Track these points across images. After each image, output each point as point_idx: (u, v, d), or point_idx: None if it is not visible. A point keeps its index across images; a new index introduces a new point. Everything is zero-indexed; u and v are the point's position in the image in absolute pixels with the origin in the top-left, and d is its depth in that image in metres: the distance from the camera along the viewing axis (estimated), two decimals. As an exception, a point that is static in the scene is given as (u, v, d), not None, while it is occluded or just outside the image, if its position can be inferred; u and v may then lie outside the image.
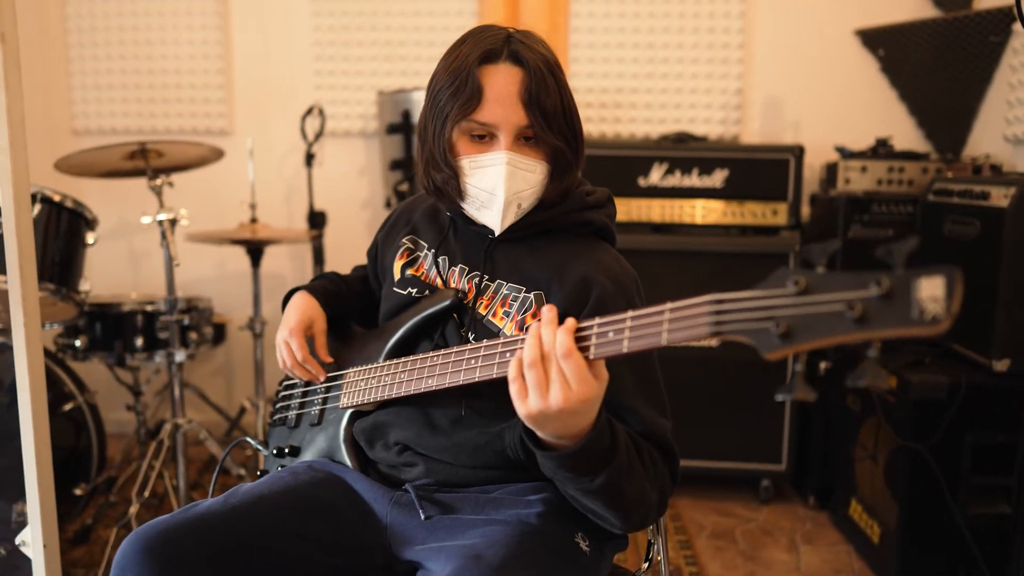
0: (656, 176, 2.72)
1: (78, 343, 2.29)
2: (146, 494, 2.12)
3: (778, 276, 0.68)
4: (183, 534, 1.01)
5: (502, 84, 1.10)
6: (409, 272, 1.27)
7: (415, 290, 1.25)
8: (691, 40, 2.98)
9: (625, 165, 2.72)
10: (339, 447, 1.26)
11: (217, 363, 3.28)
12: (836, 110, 2.98)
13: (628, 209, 2.73)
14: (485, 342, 1.02)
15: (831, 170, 2.70)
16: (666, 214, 2.73)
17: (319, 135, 2.87)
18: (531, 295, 1.14)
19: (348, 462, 1.24)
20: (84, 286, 2.11)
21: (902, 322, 0.60)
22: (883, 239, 2.59)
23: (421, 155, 1.19)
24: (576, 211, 1.20)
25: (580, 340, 0.86)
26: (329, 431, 1.30)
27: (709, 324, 0.71)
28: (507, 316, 1.15)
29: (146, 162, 2.24)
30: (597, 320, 0.86)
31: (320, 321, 1.33)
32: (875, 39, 2.92)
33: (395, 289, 1.27)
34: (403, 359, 1.17)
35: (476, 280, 1.19)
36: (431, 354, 1.11)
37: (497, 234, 1.16)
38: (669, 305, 0.77)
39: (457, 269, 1.22)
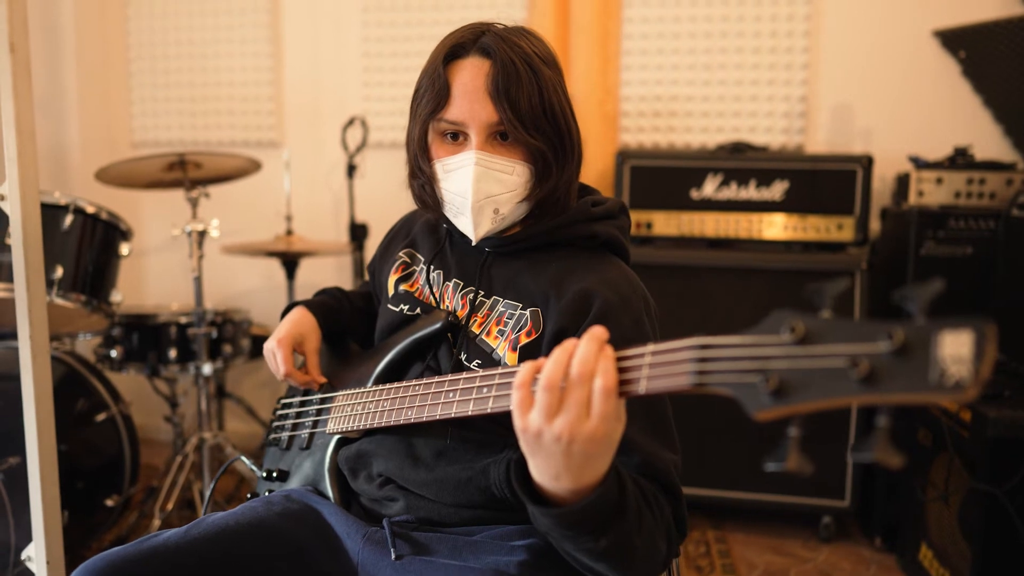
0: (710, 188, 2.56)
1: (114, 353, 2.29)
2: (168, 507, 2.09)
3: (774, 320, 0.56)
4: (133, 567, 0.95)
5: (468, 78, 1.01)
6: (403, 288, 1.19)
7: (407, 307, 1.17)
8: (751, 44, 2.81)
9: (676, 177, 2.58)
10: (323, 476, 1.19)
11: (264, 374, 3.28)
12: (912, 118, 2.75)
13: (679, 223, 2.59)
14: (464, 374, 0.92)
15: (902, 182, 2.49)
16: (720, 228, 2.57)
17: (361, 146, 2.82)
18: (527, 312, 1.04)
19: (330, 494, 1.17)
20: (116, 297, 2.11)
21: (917, 386, 0.47)
22: (961, 257, 2.36)
23: (407, 164, 1.11)
24: (580, 222, 1.09)
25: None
26: (316, 457, 1.23)
27: (690, 373, 0.59)
28: (501, 335, 1.05)
29: (184, 173, 2.24)
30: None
31: (313, 339, 1.26)
32: (956, 40, 2.69)
33: (388, 306, 1.20)
34: (388, 386, 1.09)
35: (471, 296, 1.10)
36: (414, 383, 1.02)
37: (475, 242, 1.07)
38: (651, 347, 0.65)
39: (451, 284, 1.13)
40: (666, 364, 0.62)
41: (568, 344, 0.72)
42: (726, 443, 2.47)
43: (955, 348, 0.46)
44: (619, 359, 0.69)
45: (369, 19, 3.04)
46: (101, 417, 2.19)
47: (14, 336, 2.11)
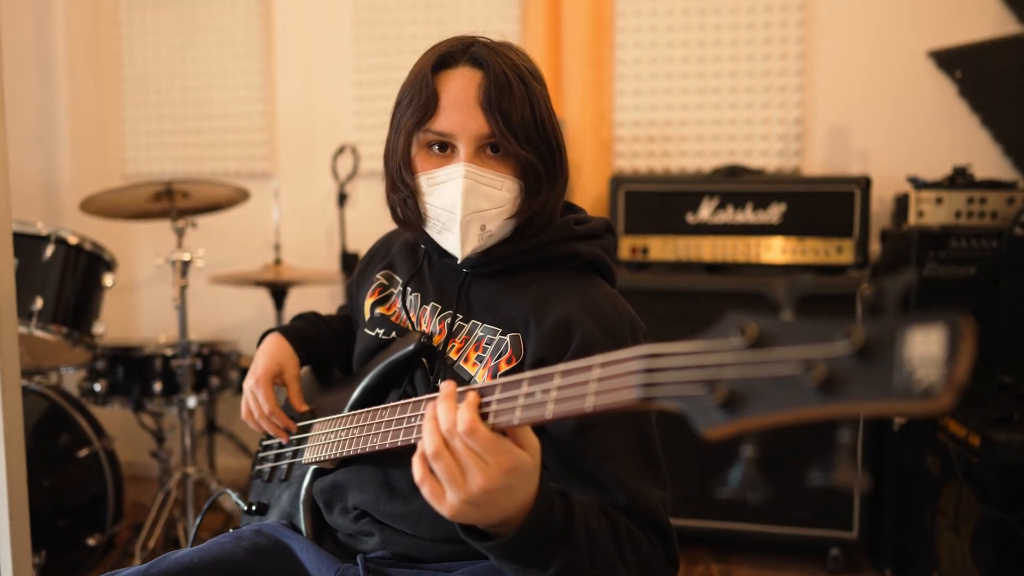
0: (706, 212, 2.52)
1: (98, 387, 2.25)
2: (151, 545, 2.03)
3: (727, 322, 0.50)
4: None
5: (459, 88, 0.96)
6: (379, 311, 1.14)
7: (383, 331, 1.11)
8: (745, 68, 2.78)
9: (671, 201, 2.54)
10: (297, 510, 1.14)
11: (257, 407, 3.22)
12: (909, 139, 2.71)
13: (676, 247, 2.54)
14: (428, 395, 0.87)
15: (902, 202, 2.44)
16: (718, 253, 2.52)
17: (352, 175, 2.80)
18: (507, 338, 0.98)
19: (303, 528, 1.11)
20: (98, 329, 2.07)
21: (879, 393, 0.41)
22: (964, 278, 2.30)
23: (385, 178, 1.07)
24: (562, 241, 1.04)
25: (480, 406, 0.71)
26: (293, 489, 1.18)
27: (636, 387, 0.54)
28: (480, 361, 0.99)
29: (171, 203, 2.21)
30: (501, 381, 0.69)
31: (292, 367, 1.21)
32: (951, 60, 2.65)
33: (365, 330, 1.15)
34: (359, 412, 1.03)
35: (448, 320, 1.04)
36: (382, 407, 0.97)
37: (460, 259, 1.01)
38: (600, 359, 0.60)
39: (428, 308, 1.08)
40: (613, 377, 0.57)
41: (429, 413, 0.75)
42: (726, 471, 2.39)
43: (925, 347, 0.40)
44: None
45: (361, 49, 3.04)
46: (83, 453, 2.13)
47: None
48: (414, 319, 1.09)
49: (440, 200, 0.99)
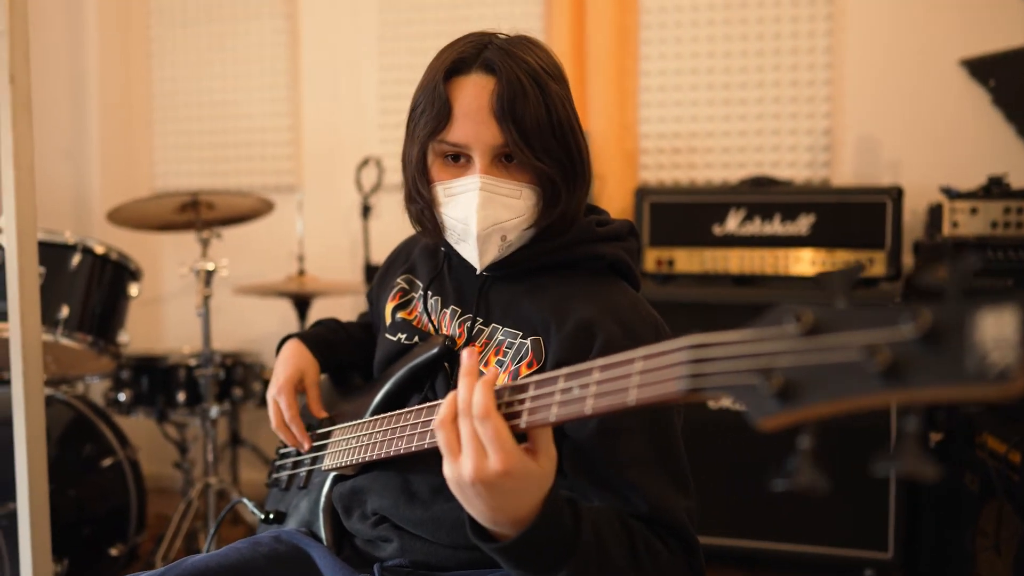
0: (733, 224, 2.48)
1: (122, 397, 2.25)
2: (172, 556, 2.01)
3: (778, 311, 0.48)
4: None
5: (471, 97, 0.94)
6: (400, 316, 1.12)
7: (404, 336, 1.10)
8: (772, 78, 2.75)
9: (697, 213, 2.50)
10: (317, 517, 1.12)
11: (280, 421, 3.21)
12: (941, 148, 2.66)
13: (703, 260, 2.50)
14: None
15: (935, 213, 2.39)
16: (745, 265, 2.48)
17: (376, 187, 2.81)
18: (528, 341, 0.96)
19: (323, 535, 1.09)
20: (123, 338, 2.08)
21: (952, 377, 0.39)
22: (1001, 290, 2.24)
23: (404, 186, 1.05)
24: (583, 243, 1.01)
25: (512, 404, 0.68)
26: (312, 496, 1.16)
27: (683, 378, 0.51)
28: (500, 366, 0.97)
29: (197, 214, 2.22)
30: (535, 379, 0.67)
31: (311, 373, 1.20)
32: (984, 69, 2.61)
33: (386, 335, 1.13)
34: (380, 417, 1.02)
35: (468, 324, 1.02)
36: (404, 411, 0.95)
37: (479, 271, 0.99)
38: (642, 351, 0.57)
39: (449, 311, 1.06)
40: (656, 370, 0.54)
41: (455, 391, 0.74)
42: (757, 487, 2.34)
43: (997, 329, 0.37)
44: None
45: (386, 63, 3.06)
46: (107, 462, 2.13)
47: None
48: (435, 323, 1.07)
49: (456, 212, 0.97)
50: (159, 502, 2.72)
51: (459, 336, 1.03)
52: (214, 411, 2.08)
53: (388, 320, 1.14)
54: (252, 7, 3.18)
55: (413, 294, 1.14)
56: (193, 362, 2.26)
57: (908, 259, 2.55)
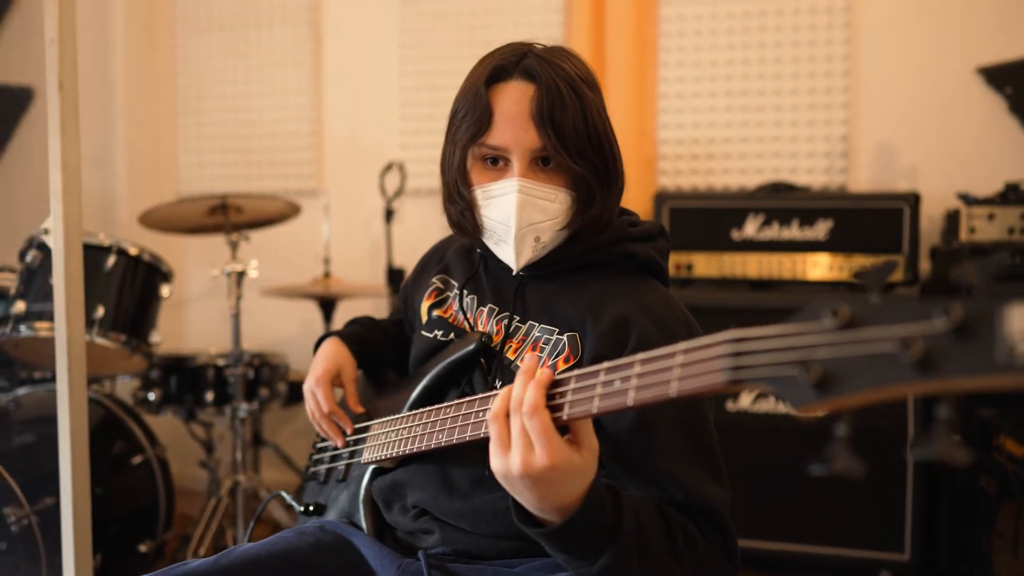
0: (751, 229, 2.51)
1: (152, 396, 2.30)
2: (202, 553, 2.06)
3: (814, 306, 0.51)
4: None
5: (512, 103, 0.99)
6: (436, 314, 1.17)
7: (441, 333, 1.14)
8: (790, 86, 2.79)
9: (716, 218, 2.53)
10: (357, 508, 1.16)
11: (301, 422, 3.26)
12: (958, 155, 2.68)
13: (721, 264, 2.53)
14: (498, 391, 0.89)
15: (952, 219, 2.41)
16: (763, 270, 2.50)
17: (399, 192, 2.85)
18: (564, 337, 1.00)
19: (364, 526, 1.13)
20: (155, 338, 2.13)
21: (982, 367, 0.42)
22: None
23: (442, 188, 1.09)
24: (617, 243, 1.05)
25: (553, 397, 0.74)
26: (351, 488, 1.20)
27: (724, 370, 0.55)
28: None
29: (226, 217, 2.27)
30: (575, 373, 0.71)
31: (349, 369, 1.25)
32: (1001, 76, 2.63)
33: (422, 332, 1.17)
34: (420, 411, 1.05)
35: (505, 322, 1.06)
36: (445, 405, 0.99)
37: (515, 271, 1.03)
38: (682, 346, 0.61)
39: (486, 309, 1.10)
40: (698, 363, 0.58)
41: (517, 377, 0.79)
42: (774, 489, 2.36)
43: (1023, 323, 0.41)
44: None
45: (407, 70, 3.11)
46: (137, 460, 2.19)
47: (55, 379, 2.15)
48: (471, 320, 1.11)
49: (495, 213, 1.02)
50: (181, 502, 2.76)
51: (496, 333, 1.06)
52: (243, 409, 2.13)
53: (424, 318, 1.18)
54: (276, 14, 3.24)
55: (448, 293, 1.18)
56: (221, 362, 2.31)
57: (925, 265, 2.57)
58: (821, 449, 0.50)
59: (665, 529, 0.84)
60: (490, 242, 1.06)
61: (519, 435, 0.74)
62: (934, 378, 0.44)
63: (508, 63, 1.00)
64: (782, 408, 2.39)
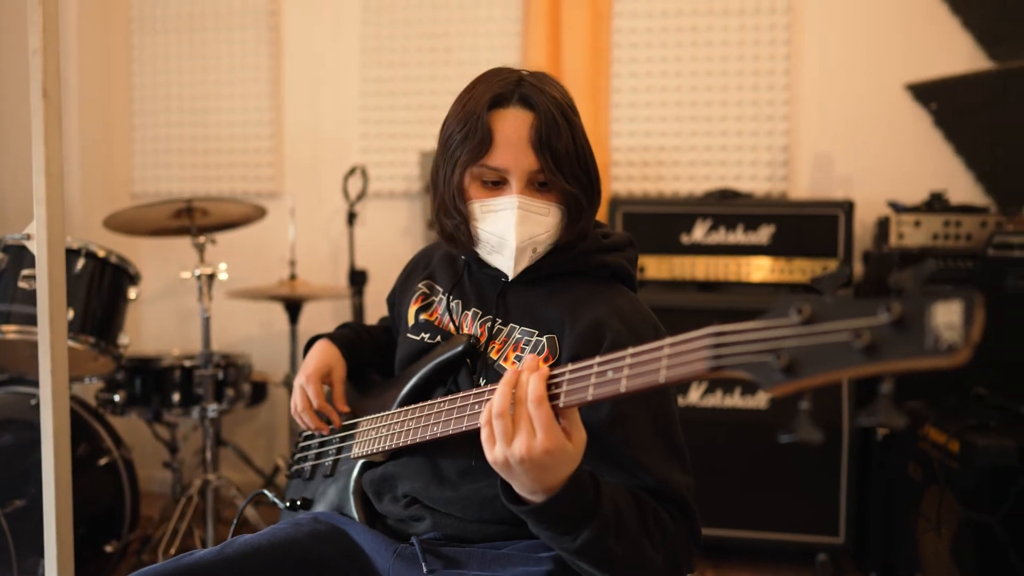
0: (699, 233, 2.66)
1: (117, 398, 2.31)
2: (172, 552, 2.09)
3: (782, 304, 0.62)
4: None
5: (512, 128, 1.08)
6: (423, 317, 1.25)
7: (428, 335, 1.22)
8: (735, 97, 2.95)
9: (667, 222, 2.67)
10: (348, 499, 1.22)
11: (260, 423, 3.29)
12: (888, 165, 2.89)
13: (671, 267, 2.67)
14: (487, 386, 0.98)
15: (883, 225, 2.60)
16: (711, 272, 2.65)
17: (361, 195, 2.91)
18: (544, 339, 1.10)
19: (355, 515, 1.20)
20: (123, 340, 2.14)
21: (915, 352, 0.54)
22: (949, 289, 2.45)
23: (433, 201, 1.17)
24: (592, 253, 1.16)
25: (550, 388, 0.84)
26: (340, 482, 1.26)
27: (708, 359, 0.65)
28: (519, 360, 1.10)
29: (191, 220, 2.30)
30: (570, 367, 0.82)
31: (339, 369, 1.32)
32: (927, 93, 2.84)
33: (409, 335, 1.25)
34: (411, 407, 1.14)
35: (488, 324, 1.16)
36: (437, 400, 1.07)
37: (511, 279, 1.13)
38: (668, 340, 0.71)
39: (470, 313, 1.19)
40: (684, 353, 0.68)
41: (509, 376, 0.87)
42: (720, 480, 2.51)
43: (947, 316, 0.53)
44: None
45: (368, 75, 3.16)
46: (103, 461, 2.20)
47: (23, 382, 2.14)
48: (457, 323, 1.20)
49: (493, 227, 1.10)
50: (143, 503, 2.77)
51: (480, 335, 1.15)
52: (212, 410, 2.17)
53: (411, 321, 1.26)
54: (235, 16, 3.26)
55: (434, 298, 1.26)
56: (188, 363, 2.34)
57: (859, 267, 2.76)
58: (782, 427, 0.61)
59: (638, 512, 0.95)
60: (483, 252, 1.15)
61: (525, 422, 0.83)
62: (879, 362, 0.55)
63: (506, 91, 1.09)
64: (727, 403, 2.54)
